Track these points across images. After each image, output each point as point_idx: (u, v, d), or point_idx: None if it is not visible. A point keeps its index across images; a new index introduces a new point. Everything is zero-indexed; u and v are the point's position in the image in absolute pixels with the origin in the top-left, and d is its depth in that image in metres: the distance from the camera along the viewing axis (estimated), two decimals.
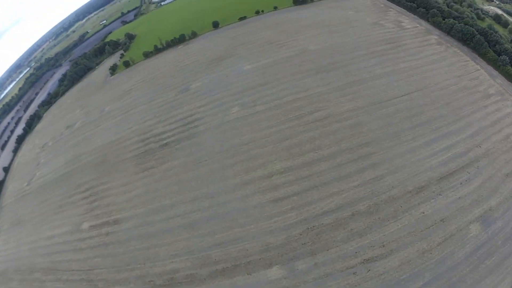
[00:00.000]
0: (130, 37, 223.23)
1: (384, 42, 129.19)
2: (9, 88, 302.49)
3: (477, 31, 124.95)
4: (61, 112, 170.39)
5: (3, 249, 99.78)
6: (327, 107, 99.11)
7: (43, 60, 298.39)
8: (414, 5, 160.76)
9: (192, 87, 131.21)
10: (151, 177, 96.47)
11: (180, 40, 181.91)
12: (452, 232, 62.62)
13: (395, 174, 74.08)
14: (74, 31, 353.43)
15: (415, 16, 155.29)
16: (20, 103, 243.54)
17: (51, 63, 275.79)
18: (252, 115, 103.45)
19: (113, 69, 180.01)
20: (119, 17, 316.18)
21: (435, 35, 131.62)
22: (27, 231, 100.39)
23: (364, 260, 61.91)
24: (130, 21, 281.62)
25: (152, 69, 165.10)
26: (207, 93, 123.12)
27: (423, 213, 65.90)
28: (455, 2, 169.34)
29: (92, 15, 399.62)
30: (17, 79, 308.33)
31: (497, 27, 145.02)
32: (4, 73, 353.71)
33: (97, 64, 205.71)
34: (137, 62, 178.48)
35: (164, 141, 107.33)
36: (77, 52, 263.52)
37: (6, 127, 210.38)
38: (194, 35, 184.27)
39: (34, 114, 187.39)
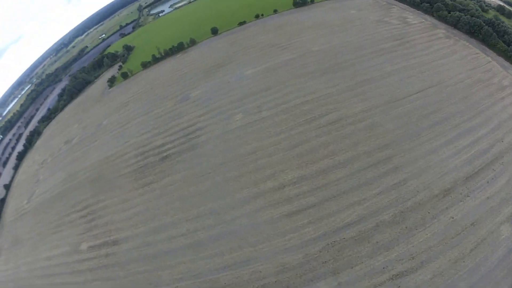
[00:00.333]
0: (129, 48, 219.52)
1: (391, 38, 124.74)
2: (11, 105, 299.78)
3: (484, 22, 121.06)
4: (60, 127, 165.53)
5: (3, 269, 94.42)
6: (338, 109, 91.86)
7: (44, 76, 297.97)
8: (418, 0, 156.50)
9: (192, 95, 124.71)
10: (151, 193, 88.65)
11: (178, 48, 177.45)
12: (484, 236, 57.67)
13: (419, 177, 68.03)
14: (74, 47, 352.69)
15: (419, 12, 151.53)
16: (21, 120, 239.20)
17: (51, 79, 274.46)
18: (257, 122, 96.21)
19: (111, 82, 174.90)
20: (117, 30, 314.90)
21: (442, 29, 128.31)
22: (26, 251, 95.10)
23: (392, 275, 55.68)
24: (129, 33, 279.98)
25: (151, 79, 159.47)
26: (208, 101, 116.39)
27: (452, 218, 60.55)
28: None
29: (91, 30, 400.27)
30: (19, 96, 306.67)
31: (502, 18, 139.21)
32: (7, 91, 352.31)
33: (96, 78, 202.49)
34: (136, 73, 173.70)
35: (164, 154, 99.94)
36: (76, 67, 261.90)
37: (7, 144, 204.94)
38: (193, 42, 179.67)
39: (34, 130, 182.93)
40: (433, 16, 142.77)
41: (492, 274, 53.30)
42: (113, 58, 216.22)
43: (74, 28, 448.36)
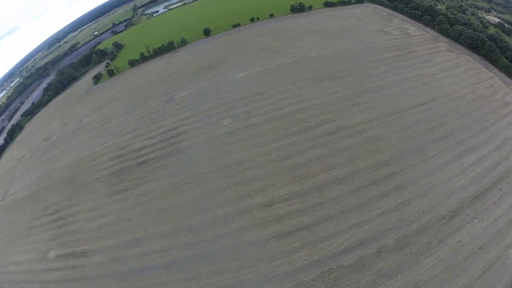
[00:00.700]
0: (118, 46, 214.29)
1: (392, 48, 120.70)
2: None
3: (486, 37, 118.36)
4: (42, 123, 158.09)
5: None
6: (336, 118, 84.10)
7: (33, 70, 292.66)
8: (419, 12, 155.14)
9: (177, 97, 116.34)
10: (125, 201, 79.30)
11: (168, 48, 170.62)
12: (492, 260, 52.73)
13: (424, 197, 61.53)
14: (66, 42, 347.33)
15: (420, 24, 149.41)
16: (6, 113, 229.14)
17: (40, 73, 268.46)
18: (246, 129, 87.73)
19: (97, 78, 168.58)
20: (110, 28, 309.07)
21: (443, 42, 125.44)
22: None
23: None
24: (121, 32, 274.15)
25: (136, 78, 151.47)
26: (194, 103, 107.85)
27: (460, 242, 54.94)
28: (458, 11, 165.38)
29: (85, 27, 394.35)
30: (8, 88, 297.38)
31: (502, 35, 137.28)
32: None
33: (83, 74, 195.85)
34: (122, 71, 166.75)
35: (142, 159, 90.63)
36: (66, 62, 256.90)
37: None
38: (183, 42, 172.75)
39: (16, 124, 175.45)
40: (434, 29, 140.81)
41: None
42: (102, 55, 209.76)
43: (69, 24, 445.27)
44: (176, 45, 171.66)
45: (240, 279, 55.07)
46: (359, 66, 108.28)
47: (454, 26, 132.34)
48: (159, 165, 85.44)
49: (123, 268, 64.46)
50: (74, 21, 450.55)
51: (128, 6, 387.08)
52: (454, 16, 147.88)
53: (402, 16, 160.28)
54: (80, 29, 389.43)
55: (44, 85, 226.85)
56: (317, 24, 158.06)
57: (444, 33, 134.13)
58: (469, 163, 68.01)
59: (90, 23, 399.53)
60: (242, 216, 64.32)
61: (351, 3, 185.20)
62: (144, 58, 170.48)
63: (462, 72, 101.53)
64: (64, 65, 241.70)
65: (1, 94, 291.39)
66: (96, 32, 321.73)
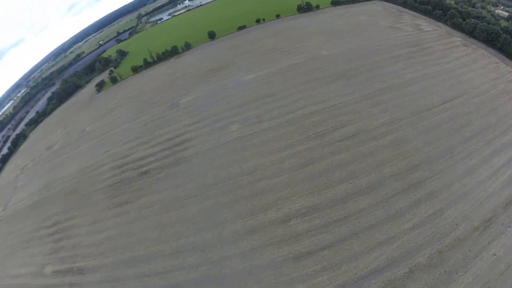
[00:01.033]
0: (122, 53, 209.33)
1: (406, 45, 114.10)
2: (6, 107, 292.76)
3: (501, 30, 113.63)
4: (45, 132, 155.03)
5: None
6: (356, 120, 75.59)
7: (39, 80, 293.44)
8: (429, 7, 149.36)
9: (182, 102, 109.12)
10: (125, 215, 71.89)
11: (172, 52, 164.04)
12: None
13: (457, 206, 54.81)
14: (72, 52, 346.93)
15: (432, 19, 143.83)
16: (12, 122, 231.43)
17: (46, 82, 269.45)
18: (258, 134, 79.36)
19: (100, 86, 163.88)
20: (114, 37, 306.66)
21: (458, 37, 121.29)
22: None
23: None
24: (125, 39, 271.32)
25: (140, 84, 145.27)
26: (200, 108, 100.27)
27: (495, 255, 49.23)
28: (467, 6, 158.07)
29: (90, 37, 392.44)
30: (15, 99, 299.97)
31: None
32: (5, 93, 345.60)
33: (87, 82, 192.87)
34: (125, 78, 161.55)
35: (144, 168, 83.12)
36: (71, 71, 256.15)
37: None
38: (188, 47, 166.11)
39: (21, 133, 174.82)
40: (447, 24, 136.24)
41: None
42: (106, 62, 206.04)
43: (75, 35, 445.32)
44: (180, 50, 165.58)
45: None
46: (374, 64, 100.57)
47: (467, 20, 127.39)
48: (162, 175, 77.70)
49: None
50: (79, 32, 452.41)
51: (133, 15, 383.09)
52: (465, 9, 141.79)
53: (412, 12, 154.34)
54: (85, 40, 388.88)
55: (49, 94, 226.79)
56: (325, 23, 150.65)
57: (457, 27, 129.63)
58: (499, 165, 62.16)
59: (95, 33, 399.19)
60: (254, 234, 55.66)
61: (359, 1, 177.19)
62: (147, 64, 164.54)
63: (481, 67, 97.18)
64: (69, 74, 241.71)
65: (8, 105, 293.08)
66: (101, 41, 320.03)
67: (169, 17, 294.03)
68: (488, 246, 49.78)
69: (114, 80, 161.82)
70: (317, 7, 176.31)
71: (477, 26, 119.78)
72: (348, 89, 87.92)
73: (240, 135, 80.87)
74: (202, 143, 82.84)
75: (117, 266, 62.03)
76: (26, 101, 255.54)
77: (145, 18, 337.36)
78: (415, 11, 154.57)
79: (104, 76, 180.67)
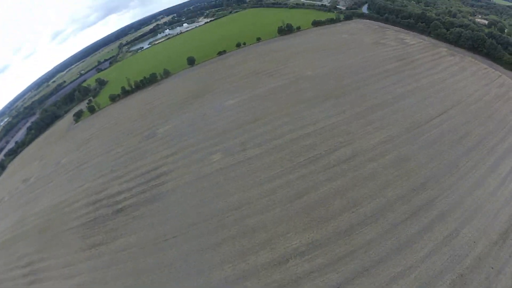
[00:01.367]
0: (101, 82, 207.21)
1: (394, 59, 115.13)
2: None
3: (486, 36, 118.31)
4: (23, 163, 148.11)
5: None
6: (350, 141, 71.35)
7: (21, 109, 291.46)
8: (412, 21, 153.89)
9: (160, 131, 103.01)
10: (99, 258, 64.06)
11: (150, 80, 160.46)
12: None
13: (471, 222, 51.60)
14: (54, 82, 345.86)
15: (415, 33, 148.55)
16: None
17: (26, 112, 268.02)
18: (242, 164, 73.29)
19: (78, 116, 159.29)
20: (95, 66, 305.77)
21: (443, 48, 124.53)
22: None
23: None
24: (105, 69, 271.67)
25: (117, 114, 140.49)
26: (178, 138, 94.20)
27: None
28: (448, 16, 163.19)
29: (73, 66, 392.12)
30: None
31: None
32: None
33: (66, 112, 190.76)
34: (103, 107, 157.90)
35: (119, 206, 75.57)
36: (51, 101, 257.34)
37: None
38: (167, 74, 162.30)
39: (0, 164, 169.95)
40: (431, 35, 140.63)
41: None
42: (85, 92, 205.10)
43: (58, 64, 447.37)
44: (159, 77, 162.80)
45: None
46: (363, 80, 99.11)
47: (451, 29, 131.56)
48: (138, 213, 70.37)
49: None
50: (63, 61, 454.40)
51: (114, 45, 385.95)
52: (448, 20, 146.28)
53: (395, 27, 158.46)
54: (68, 69, 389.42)
55: (29, 124, 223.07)
56: (308, 43, 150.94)
57: (442, 38, 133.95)
58: (506, 172, 60.91)
59: (77, 63, 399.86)
60: (246, 281, 48.24)
61: (340, 20, 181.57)
62: (125, 93, 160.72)
63: (470, 74, 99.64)
64: (49, 104, 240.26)
65: None
66: (82, 71, 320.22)
67: (149, 46, 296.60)
68: (509, 261, 46.94)
69: (91, 110, 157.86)
70: (298, 28, 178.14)
71: (462, 34, 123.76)
72: (338, 109, 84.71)
73: (223, 165, 74.81)
74: (181, 176, 76.44)
75: None
76: (8, 130, 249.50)
77: (126, 47, 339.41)
78: (397, 26, 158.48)
79: (83, 105, 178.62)
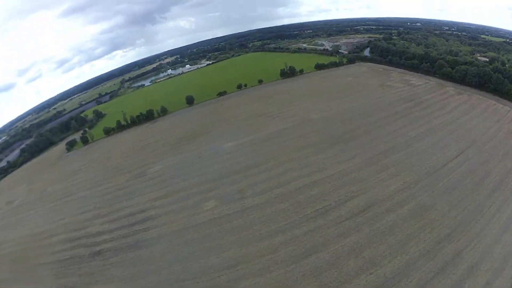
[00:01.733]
0: (99, 114, 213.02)
1: (402, 101, 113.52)
2: None
3: (491, 71, 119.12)
4: (10, 185, 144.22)
5: None
6: (363, 190, 64.52)
7: (20, 130, 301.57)
8: (416, 62, 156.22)
9: (150, 171, 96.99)
10: None
11: (147, 117, 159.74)
12: None
13: (502, 273, 46.17)
14: (55, 109, 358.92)
15: (419, 74, 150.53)
16: None
17: (24, 133, 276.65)
18: (239, 214, 65.46)
19: (71, 145, 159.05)
20: (96, 98, 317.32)
21: (450, 87, 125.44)
22: None
23: None
24: (105, 102, 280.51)
25: (110, 148, 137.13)
26: (169, 179, 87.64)
27: None
28: (450, 56, 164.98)
29: (75, 96, 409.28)
30: None
31: None
32: None
33: (61, 140, 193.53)
34: (97, 140, 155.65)
35: (98, 248, 68.02)
36: (48, 127, 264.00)
37: None
38: (164, 111, 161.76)
39: None
40: (436, 75, 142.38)
41: None
42: (82, 122, 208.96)
43: (61, 92, 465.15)
44: (156, 114, 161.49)
45: None
46: (372, 124, 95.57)
47: (456, 67, 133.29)
48: (117, 260, 62.10)
49: None
50: (66, 90, 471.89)
51: (117, 80, 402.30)
52: (453, 58, 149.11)
53: (399, 69, 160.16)
54: (70, 98, 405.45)
55: (23, 146, 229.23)
56: (312, 86, 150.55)
57: (447, 77, 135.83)
58: None
59: (80, 94, 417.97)
60: None
61: (343, 64, 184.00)
62: (120, 127, 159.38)
63: (481, 112, 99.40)
64: (46, 129, 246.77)
65: None
66: (83, 101, 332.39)
67: (150, 83, 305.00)
68: None
69: (85, 141, 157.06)
70: (301, 71, 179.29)
71: (468, 71, 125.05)
72: (347, 154, 79.21)
73: (217, 215, 66.91)
74: (169, 223, 68.50)
75: None
76: (3, 148, 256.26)
77: (128, 83, 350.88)
78: (401, 68, 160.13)
79: (78, 135, 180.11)
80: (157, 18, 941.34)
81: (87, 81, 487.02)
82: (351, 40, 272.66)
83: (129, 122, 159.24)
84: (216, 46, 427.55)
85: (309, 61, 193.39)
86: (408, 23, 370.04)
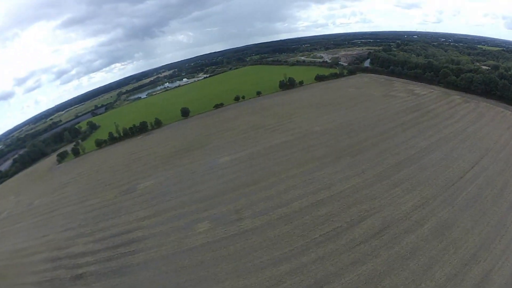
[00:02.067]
0: (93, 126, 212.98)
1: (408, 111, 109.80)
2: None
3: (497, 77, 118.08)
4: (0, 195, 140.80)
5: None
6: (377, 209, 58.28)
7: (15, 140, 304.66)
8: (420, 71, 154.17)
9: (140, 187, 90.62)
10: None
11: (141, 129, 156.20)
12: None
13: None
14: (51, 119, 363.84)
15: (423, 83, 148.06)
16: None
17: (19, 143, 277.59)
18: (237, 238, 58.24)
19: (62, 157, 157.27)
20: (92, 110, 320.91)
21: (455, 95, 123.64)
22: None
23: None
24: (101, 114, 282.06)
25: (100, 161, 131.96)
26: (160, 197, 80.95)
27: None
28: (452, 65, 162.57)
29: (72, 108, 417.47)
30: None
31: None
32: None
33: (53, 151, 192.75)
34: (88, 152, 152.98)
35: (79, 270, 61.21)
36: (43, 137, 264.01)
37: None
38: (158, 124, 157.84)
39: None
40: (440, 84, 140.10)
41: None
42: (75, 133, 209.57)
43: (59, 103, 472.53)
44: (149, 127, 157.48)
45: None
46: (379, 135, 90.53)
47: (461, 75, 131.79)
48: (99, 286, 55.28)
49: None
50: (64, 102, 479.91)
51: (114, 93, 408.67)
52: (457, 66, 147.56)
53: (401, 79, 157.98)
54: (67, 110, 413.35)
55: (16, 156, 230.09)
56: (313, 97, 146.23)
57: (452, 85, 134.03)
58: None
59: (77, 105, 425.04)
60: None
61: (344, 75, 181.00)
62: (113, 139, 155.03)
63: (490, 119, 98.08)
64: (40, 140, 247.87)
65: None
66: (80, 113, 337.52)
67: (147, 96, 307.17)
68: None
69: (76, 153, 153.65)
70: (301, 83, 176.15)
71: (474, 79, 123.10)
72: (355, 169, 73.21)
73: (211, 238, 59.48)
74: (157, 246, 61.29)
75: None
76: None
77: (125, 96, 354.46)
78: (403, 78, 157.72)
79: (70, 147, 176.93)
80: (156, 32, 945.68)
81: (85, 93, 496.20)
82: (350, 52, 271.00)
83: (121, 134, 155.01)
84: (214, 60, 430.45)
85: (308, 73, 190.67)
86: (405, 36, 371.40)
